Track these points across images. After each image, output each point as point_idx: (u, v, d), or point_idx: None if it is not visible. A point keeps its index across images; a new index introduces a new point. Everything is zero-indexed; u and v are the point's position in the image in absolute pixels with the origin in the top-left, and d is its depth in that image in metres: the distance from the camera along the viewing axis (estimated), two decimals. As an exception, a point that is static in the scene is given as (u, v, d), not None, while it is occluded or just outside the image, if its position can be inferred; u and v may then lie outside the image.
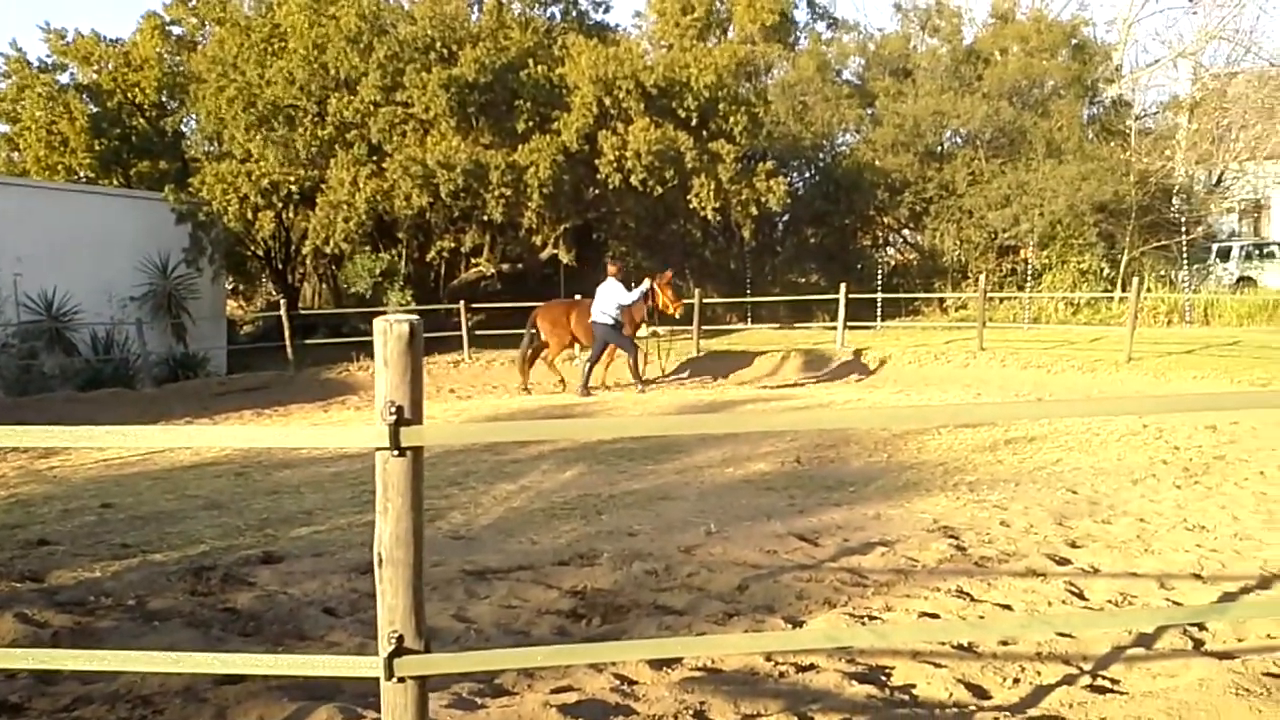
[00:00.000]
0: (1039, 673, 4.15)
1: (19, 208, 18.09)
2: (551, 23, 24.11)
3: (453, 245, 21.68)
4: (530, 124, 19.86)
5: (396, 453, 2.75)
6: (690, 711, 3.75)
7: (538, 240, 21.39)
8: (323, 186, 19.65)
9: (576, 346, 17.24)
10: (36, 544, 6.86)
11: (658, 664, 4.27)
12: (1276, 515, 6.92)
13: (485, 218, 20.20)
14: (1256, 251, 28.92)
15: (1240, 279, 27.44)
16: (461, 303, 19.45)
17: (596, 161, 19.82)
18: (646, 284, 16.02)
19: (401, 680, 2.81)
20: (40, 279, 17.83)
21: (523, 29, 21.30)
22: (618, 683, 4.13)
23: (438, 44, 20.03)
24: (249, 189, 19.53)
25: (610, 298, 15.65)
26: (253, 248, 24.59)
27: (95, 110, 24.52)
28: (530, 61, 20.20)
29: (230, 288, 27.28)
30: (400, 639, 2.79)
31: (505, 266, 22.90)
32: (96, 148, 24.21)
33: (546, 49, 21.40)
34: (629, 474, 8.88)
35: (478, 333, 19.65)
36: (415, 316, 2.81)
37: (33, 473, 10.36)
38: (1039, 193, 24.36)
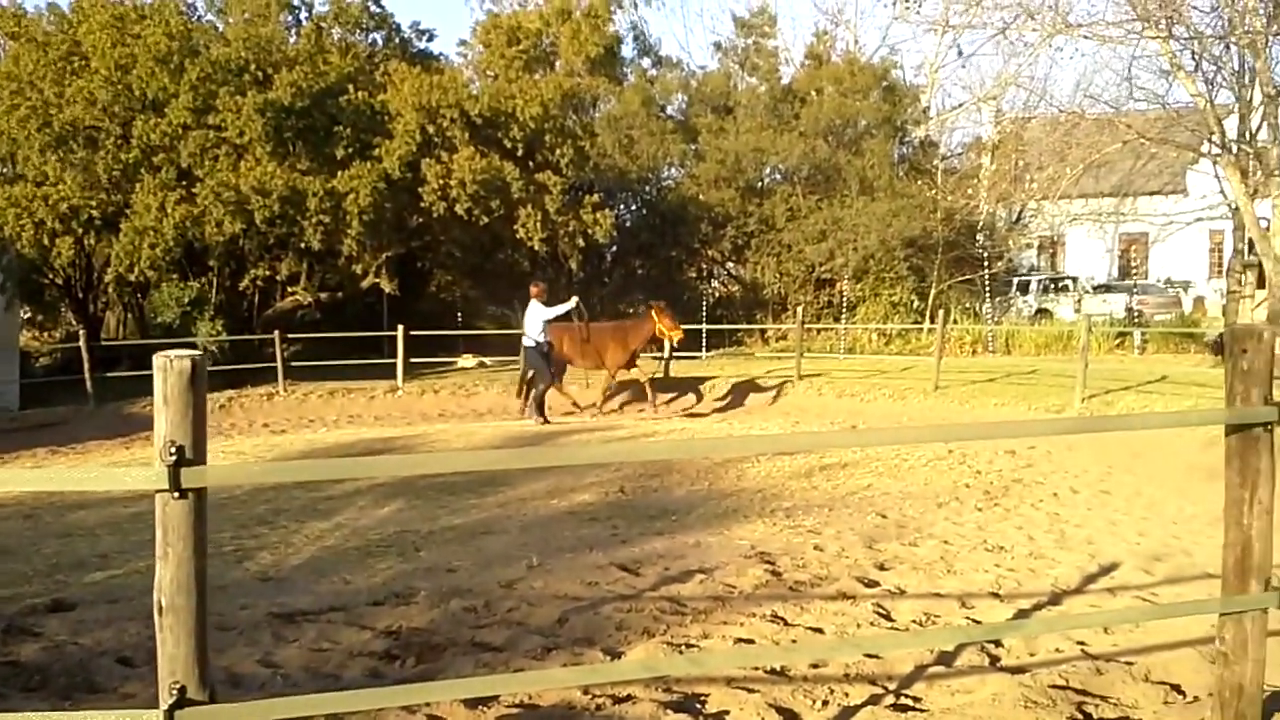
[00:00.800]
0: (847, 694, 4.26)
1: None
2: (373, 49, 23.74)
3: (268, 273, 20.93)
4: (350, 150, 19.45)
5: (177, 495, 2.62)
6: (503, 751, 3.67)
7: (358, 269, 20.89)
8: (127, 211, 18.66)
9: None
10: None
11: (473, 703, 4.18)
12: (1068, 535, 7.35)
13: (302, 245, 19.61)
14: (1053, 285, 31.01)
15: (1038, 310, 29.32)
16: (276, 333, 18.72)
17: (420, 189, 19.56)
18: (573, 301, 15.80)
19: (184, 734, 2.65)
20: None
21: (342, 54, 20.91)
22: (430, 725, 4.02)
23: (253, 66, 19.42)
24: (45, 214, 18.36)
25: (535, 319, 15.44)
26: (51, 275, 23.06)
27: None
28: (350, 87, 19.83)
29: (26, 317, 25.52)
30: (183, 690, 2.63)
31: (324, 296, 22.25)
32: None
33: (368, 75, 21.06)
34: (450, 509, 8.72)
35: (294, 364, 18.99)
36: (198, 352, 2.68)
37: None
38: (853, 228, 25.39)
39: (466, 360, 22.02)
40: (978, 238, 28.40)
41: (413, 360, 19.36)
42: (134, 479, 3.05)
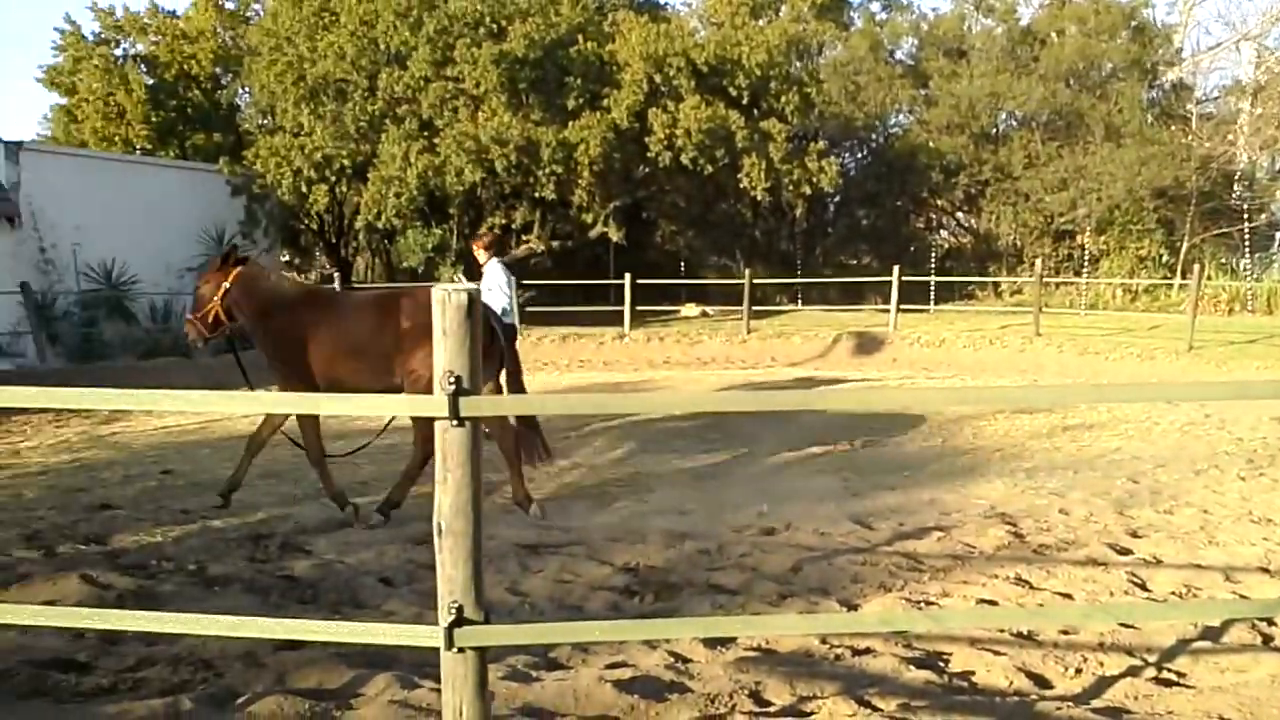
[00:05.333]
0: (1101, 663, 4.06)
1: (77, 178, 18.20)
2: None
3: (504, 222, 21.66)
4: (580, 101, 19.78)
5: (455, 423, 2.72)
6: (745, 691, 3.70)
7: (588, 218, 21.33)
8: (374, 161, 19.72)
9: None
10: (99, 508, 6.96)
11: (711, 643, 4.24)
12: (1345, 509, 6.73)
13: (536, 195, 20.18)
14: (1321, 240, 28.28)
15: (1305, 268, 26.82)
16: (513, 279, 19.31)
17: (647, 139, 19.71)
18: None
19: (462, 651, 2.79)
20: (98, 249, 17.96)
21: (572, 5, 21.19)
22: (672, 660, 4.11)
23: (487, 19, 19.97)
24: (302, 162, 19.64)
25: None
26: (307, 221, 24.71)
27: (152, 82, 24.75)
28: (580, 38, 20.11)
29: (285, 260, 27.46)
30: (460, 609, 2.77)
31: (555, 244, 22.84)
32: (153, 119, 24.38)
33: (596, 25, 21.29)
34: (680, 453, 8.86)
35: (527, 309, 19.62)
36: (474, 285, 2.78)
37: (95, 438, 10.52)
38: (1097, 177, 23.88)
39: (690, 309, 22.21)
40: (1236, 188, 26.10)
41: (638, 308, 19.67)
42: (415, 406, 3.21)
